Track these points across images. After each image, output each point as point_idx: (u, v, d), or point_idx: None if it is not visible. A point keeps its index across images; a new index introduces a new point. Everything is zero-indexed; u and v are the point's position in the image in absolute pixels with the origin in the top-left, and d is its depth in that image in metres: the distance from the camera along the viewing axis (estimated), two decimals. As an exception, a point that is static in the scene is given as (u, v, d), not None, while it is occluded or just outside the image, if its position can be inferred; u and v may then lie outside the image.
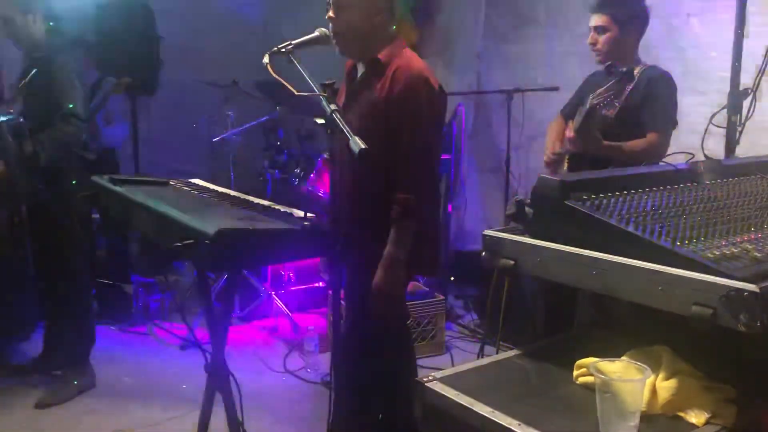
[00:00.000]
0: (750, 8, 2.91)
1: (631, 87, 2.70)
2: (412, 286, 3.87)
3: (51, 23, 3.28)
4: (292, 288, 4.52)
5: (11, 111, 3.21)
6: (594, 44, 2.84)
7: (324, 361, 3.73)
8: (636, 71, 2.74)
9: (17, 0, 3.22)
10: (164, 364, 3.84)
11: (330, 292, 4.06)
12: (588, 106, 2.56)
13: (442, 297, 4.08)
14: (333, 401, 2.20)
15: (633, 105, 2.72)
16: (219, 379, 2.16)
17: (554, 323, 2.74)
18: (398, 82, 2.23)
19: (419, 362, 2.93)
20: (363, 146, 1.72)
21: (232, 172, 4.60)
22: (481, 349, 2.13)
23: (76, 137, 3.23)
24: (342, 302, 2.35)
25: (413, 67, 2.26)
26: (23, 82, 3.28)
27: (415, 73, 2.24)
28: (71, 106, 3.17)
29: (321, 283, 4.62)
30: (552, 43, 4.62)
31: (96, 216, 4.45)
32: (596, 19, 2.82)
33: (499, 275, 1.84)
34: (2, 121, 3.12)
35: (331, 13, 2.29)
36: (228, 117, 4.57)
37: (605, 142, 2.61)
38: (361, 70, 2.40)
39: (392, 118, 2.23)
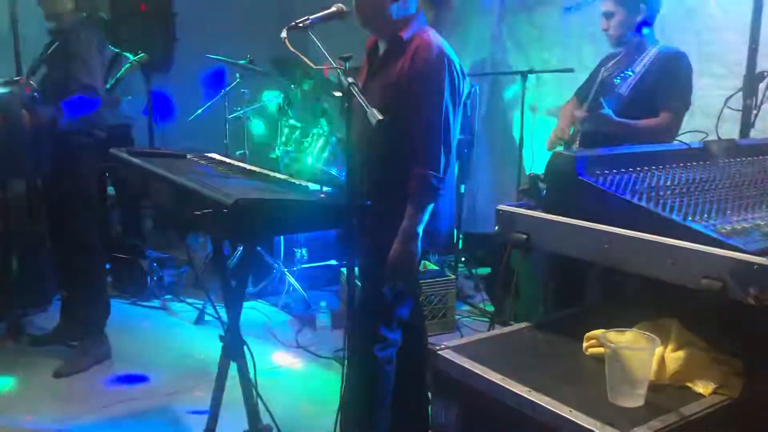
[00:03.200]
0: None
1: (647, 62, 2.72)
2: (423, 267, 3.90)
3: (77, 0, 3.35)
4: (305, 265, 4.56)
5: (31, 83, 3.26)
6: (606, 29, 2.85)
7: (335, 337, 3.78)
8: (652, 51, 2.75)
9: None
10: (179, 337, 3.90)
11: (344, 268, 4.10)
12: (599, 78, 2.57)
13: (453, 276, 4.12)
14: (346, 375, 2.24)
15: (648, 84, 2.72)
16: (234, 348, 2.20)
17: (564, 303, 2.75)
18: (420, 59, 2.25)
19: (429, 340, 2.96)
20: (380, 117, 1.75)
21: (246, 149, 4.63)
22: (491, 325, 2.16)
23: (94, 108, 3.29)
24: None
25: (435, 44, 2.28)
26: (44, 55, 3.33)
27: (437, 50, 2.26)
28: (88, 80, 3.23)
29: (333, 261, 4.67)
30: (567, 24, 4.60)
31: (111, 191, 4.52)
32: (605, 5, 2.84)
33: (512, 250, 1.87)
34: (10, 93, 3.17)
35: None
36: (243, 94, 4.59)
37: (616, 119, 2.62)
38: (383, 47, 2.42)
39: (413, 94, 2.25)
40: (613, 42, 2.85)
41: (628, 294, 1.97)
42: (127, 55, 3.93)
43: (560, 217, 1.74)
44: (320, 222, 2.05)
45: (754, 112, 2.95)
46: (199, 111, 4.64)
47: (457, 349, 1.68)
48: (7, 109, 3.15)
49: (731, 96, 2.88)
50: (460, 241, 4.80)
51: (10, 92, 3.22)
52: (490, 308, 4.30)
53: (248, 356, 2.21)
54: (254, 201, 1.83)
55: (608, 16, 2.82)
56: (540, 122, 4.49)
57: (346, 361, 2.27)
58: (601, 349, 1.55)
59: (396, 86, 2.29)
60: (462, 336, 3.93)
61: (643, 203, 1.62)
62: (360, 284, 2.45)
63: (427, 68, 2.25)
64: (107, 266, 4.14)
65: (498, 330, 1.90)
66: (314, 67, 1.99)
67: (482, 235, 4.97)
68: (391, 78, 2.32)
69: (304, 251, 4.50)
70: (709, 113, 2.86)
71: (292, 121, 4.40)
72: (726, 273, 1.38)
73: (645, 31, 2.79)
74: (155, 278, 4.49)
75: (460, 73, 2.33)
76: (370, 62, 2.50)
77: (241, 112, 4.58)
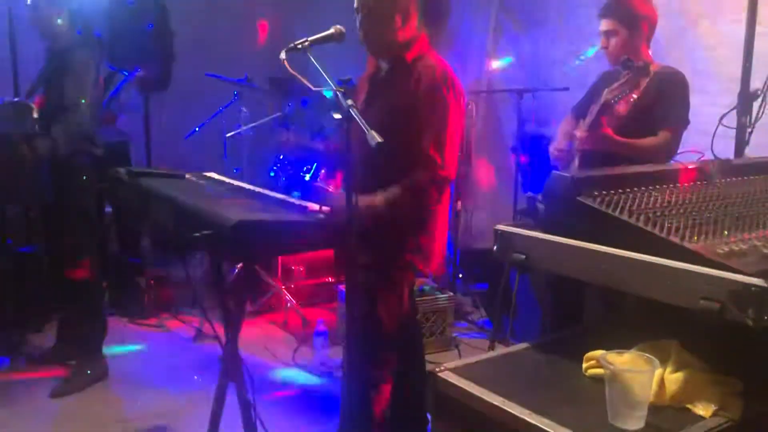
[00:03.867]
0: (761, 9, 2.92)
1: (646, 82, 2.72)
2: (419, 282, 3.90)
3: (72, 19, 3.36)
4: (302, 283, 4.56)
5: (31, 105, 3.28)
6: (606, 48, 2.86)
7: (333, 355, 3.77)
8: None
9: None
10: (176, 356, 3.88)
11: (342, 287, 4.10)
12: (602, 100, 2.58)
13: (450, 293, 4.11)
14: (344, 393, 2.24)
15: (646, 103, 2.73)
16: (232, 368, 2.19)
17: (563, 322, 2.76)
18: (425, 82, 2.28)
19: (427, 358, 2.96)
20: (380, 140, 1.76)
21: (244, 168, 4.64)
22: (491, 344, 2.15)
23: (84, 127, 3.30)
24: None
25: (438, 66, 2.31)
26: (42, 75, 3.34)
27: (441, 73, 2.29)
28: (83, 100, 3.24)
29: (330, 279, 4.66)
30: (562, 43, 4.64)
31: (108, 210, 4.52)
32: (605, 24, 2.83)
33: (510, 269, 1.87)
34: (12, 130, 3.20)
35: (360, 18, 2.34)
36: (241, 113, 4.61)
37: (616, 138, 2.63)
38: (384, 68, 2.44)
39: (416, 115, 2.27)
40: (613, 61, 2.85)
41: (627, 314, 1.97)
42: (124, 72, 3.95)
43: (558, 238, 1.74)
44: (320, 242, 2.05)
45: (749, 129, 2.97)
46: (197, 129, 4.65)
47: (456, 370, 1.68)
48: (7, 144, 3.17)
49: (726, 114, 2.90)
50: (458, 258, 4.80)
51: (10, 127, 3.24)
52: (488, 325, 4.30)
53: (246, 376, 2.20)
54: (255, 222, 1.83)
55: (609, 35, 2.82)
56: (536, 140, 4.51)
57: (344, 380, 2.27)
58: (600, 370, 1.55)
59: (400, 108, 2.31)
60: (460, 353, 3.92)
61: (641, 224, 1.63)
62: (358, 303, 2.45)
63: (433, 91, 2.27)
64: (105, 285, 4.12)
65: (497, 351, 1.89)
66: (313, 88, 2.00)
67: (480, 251, 4.98)
68: (395, 100, 2.34)
69: (301, 269, 4.50)
70: (704, 131, 2.88)
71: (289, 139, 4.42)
72: (724, 294, 1.39)
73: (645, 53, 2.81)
74: (153, 297, 4.48)
75: (462, 93, 2.36)
76: (371, 83, 2.51)
77: (239, 130, 4.60)
